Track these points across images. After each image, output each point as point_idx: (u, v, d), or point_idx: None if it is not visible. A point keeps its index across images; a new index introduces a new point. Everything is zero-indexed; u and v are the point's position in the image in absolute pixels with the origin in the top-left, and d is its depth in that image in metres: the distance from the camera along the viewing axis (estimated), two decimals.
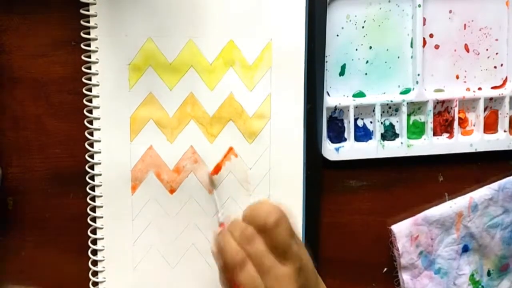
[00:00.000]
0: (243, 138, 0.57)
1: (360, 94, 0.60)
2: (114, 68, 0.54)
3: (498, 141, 0.62)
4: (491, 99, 0.63)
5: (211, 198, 0.55)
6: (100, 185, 0.55)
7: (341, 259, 0.61)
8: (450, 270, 0.63)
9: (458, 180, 0.63)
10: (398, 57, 0.60)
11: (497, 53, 0.62)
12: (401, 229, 0.61)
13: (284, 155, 0.57)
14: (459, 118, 0.62)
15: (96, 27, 0.53)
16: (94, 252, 0.56)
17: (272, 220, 0.43)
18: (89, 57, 0.54)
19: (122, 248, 0.56)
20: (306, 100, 0.57)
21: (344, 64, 0.59)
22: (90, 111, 0.54)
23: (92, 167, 0.55)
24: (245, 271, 0.43)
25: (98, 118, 0.55)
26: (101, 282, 0.56)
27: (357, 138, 0.60)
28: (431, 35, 0.61)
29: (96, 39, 0.54)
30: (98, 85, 0.54)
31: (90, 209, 0.55)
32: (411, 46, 0.60)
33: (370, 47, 0.60)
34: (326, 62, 0.59)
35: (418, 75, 0.60)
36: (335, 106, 0.59)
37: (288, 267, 0.43)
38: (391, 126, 0.61)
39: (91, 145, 0.55)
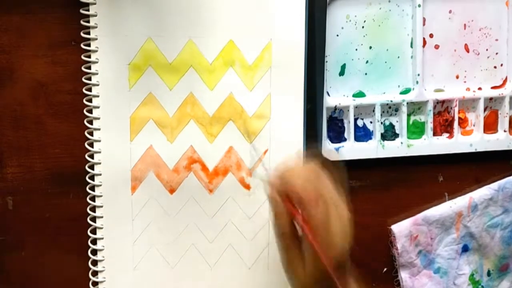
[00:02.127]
0: (243, 138, 0.57)
1: (360, 94, 0.60)
2: (114, 68, 0.54)
3: (498, 141, 0.62)
4: (491, 99, 0.63)
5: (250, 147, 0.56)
6: (100, 185, 0.55)
7: None
8: (449, 270, 0.63)
9: (458, 180, 0.63)
10: (398, 57, 0.60)
11: (497, 53, 0.62)
12: (401, 229, 0.61)
13: (284, 155, 0.57)
14: (459, 118, 0.62)
15: (96, 27, 0.53)
16: (94, 252, 0.56)
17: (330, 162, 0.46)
18: (89, 57, 0.54)
19: (122, 248, 0.56)
20: (306, 100, 0.57)
21: (344, 64, 0.59)
22: (90, 111, 0.54)
23: (92, 167, 0.55)
24: (318, 206, 0.43)
25: (98, 118, 0.55)
26: (101, 282, 0.56)
27: (357, 138, 0.60)
28: (431, 35, 0.61)
29: (96, 39, 0.54)
30: (98, 85, 0.54)
31: (90, 209, 0.55)
32: (411, 46, 0.60)
33: (370, 47, 0.60)
34: (326, 62, 0.59)
35: (418, 75, 0.60)
36: (335, 106, 0.59)
37: (348, 215, 0.45)
38: (391, 126, 0.61)
39: (91, 145, 0.55)
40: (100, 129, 0.55)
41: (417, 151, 0.61)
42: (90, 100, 0.54)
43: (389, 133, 0.61)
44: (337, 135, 0.60)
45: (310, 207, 0.43)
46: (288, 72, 0.56)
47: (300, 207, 0.44)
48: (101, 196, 0.55)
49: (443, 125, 0.62)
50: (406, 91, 0.61)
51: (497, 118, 0.63)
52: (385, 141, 0.61)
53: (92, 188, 0.55)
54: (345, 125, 0.60)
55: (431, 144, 0.61)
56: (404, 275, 0.61)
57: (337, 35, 0.59)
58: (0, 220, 0.55)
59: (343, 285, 0.44)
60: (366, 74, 0.60)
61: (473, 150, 0.62)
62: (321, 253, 0.43)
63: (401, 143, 0.61)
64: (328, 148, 0.59)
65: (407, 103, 0.60)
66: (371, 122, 0.61)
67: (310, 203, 0.43)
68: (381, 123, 0.61)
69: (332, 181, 0.45)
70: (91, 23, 0.53)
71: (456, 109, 0.61)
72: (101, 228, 0.55)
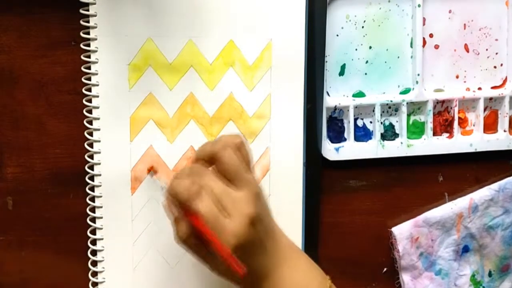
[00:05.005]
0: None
1: (360, 94, 0.60)
2: (114, 68, 0.54)
3: (498, 141, 0.62)
4: (491, 99, 0.63)
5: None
6: (100, 186, 0.55)
7: (341, 259, 0.61)
8: (450, 271, 0.63)
9: (458, 180, 0.63)
10: (398, 57, 0.60)
11: (497, 53, 0.62)
12: (401, 231, 0.61)
13: (284, 155, 0.57)
14: (459, 118, 0.62)
15: (96, 27, 0.54)
16: (94, 253, 0.56)
17: (218, 146, 0.45)
18: (89, 57, 0.54)
19: (122, 249, 0.56)
20: (306, 100, 0.57)
21: (344, 64, 0.59)
22: (90, 111, 0.54)
23: (92, 167, 0.55)
24: (202, 200, 0.43)
25: (98, 118, 0.55)
26: (101, 282, 0.56)
27: (357, 138, 0.60)
28: (431, 35, 0.61)
29: (96, 39, 0.54)
30: (98, 85, 0.54)
31: (90, 210, 0.55)
32: (411, 46, 0.60)
33: (370, 47, 0.60)
34: (326, 62, 0.59)
35: (418, 75, 0.60)
36: (335, 106, 0.59)
37: (244, 192, 0.44)
38: (391, 126, 0.61)
39: (91, 145, 0.55)
40: (100, 130, 0.55)
41: (417, 151, 0.61)
42: (90, 100, 0.54)
43: (389, 133, 0.61)
44: (337, 135, 0.60)
45: (193, 204, 0.43)
46: (288, 72, 0.56)
47: (186, 206, 0.44)
48: (100, 196, 0.55)
49: (443, 125, 0.62)
50: (406, 91, 0.61)
51: (497, 118, 0.63)
52: (385, 141, 0.61)
53: (92, 189, 0.55)
54: (345, 125, 0.60)
55: (431, 144, 0.61)
56: (406, 277, 0.61)
57: (337, 35, 0.59)
58: (0, 220, 0.55)
59: (251, 264, 0.44)
60: (366, 74, 0.60)
61: (473, 150, 0.62)
62: (216, 243, 0.42)
63: (401, 143, 0.61)
64: (328, 148, 0.59)
65: (407, 103, 0.60)
66: (371, 122, 0.61)
67: (192, 199, 0.43)
68: (381, 123, 0.61)
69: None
70: (91, 23, 0.53)
71: (456, 109, 0.61)
72: (101, 228, 0.55)
